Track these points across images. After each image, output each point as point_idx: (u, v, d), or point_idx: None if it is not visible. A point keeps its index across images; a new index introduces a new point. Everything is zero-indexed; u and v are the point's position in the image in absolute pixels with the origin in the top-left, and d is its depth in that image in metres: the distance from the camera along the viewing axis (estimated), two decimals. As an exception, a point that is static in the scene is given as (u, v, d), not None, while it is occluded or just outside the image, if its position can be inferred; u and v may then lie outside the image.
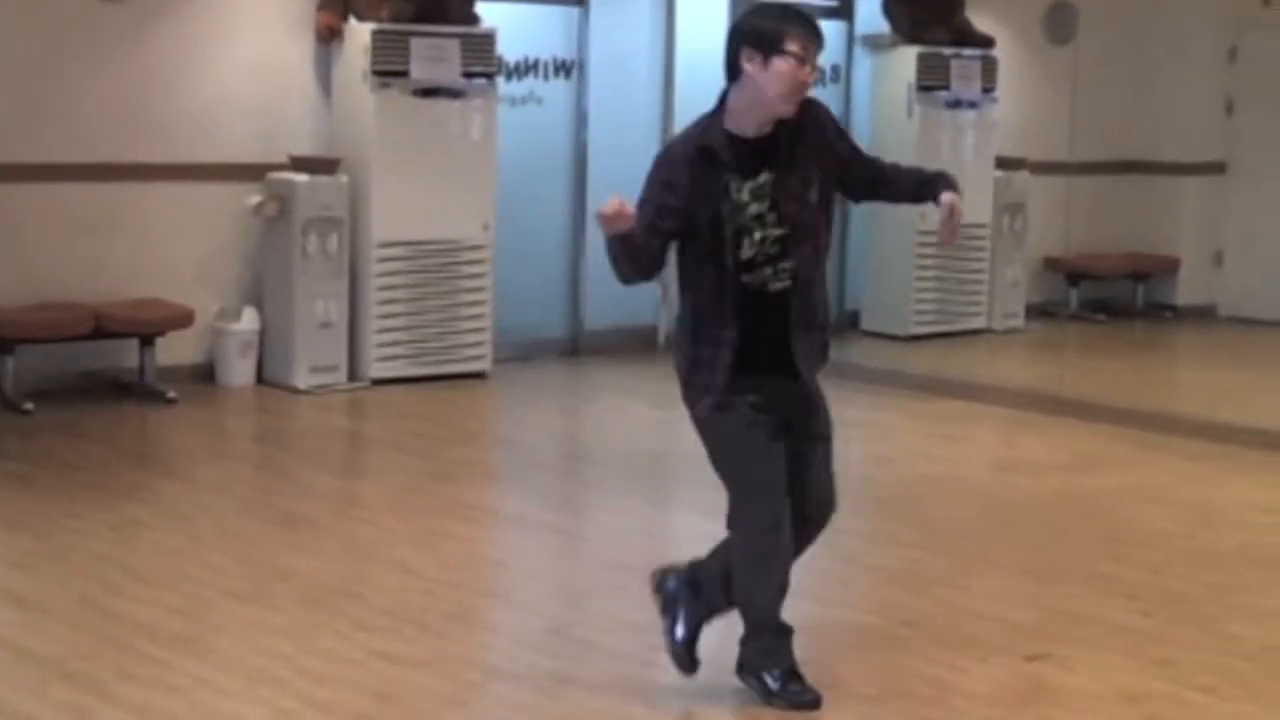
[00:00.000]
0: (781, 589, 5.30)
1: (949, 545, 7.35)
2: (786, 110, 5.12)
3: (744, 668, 5.38)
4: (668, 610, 5.49)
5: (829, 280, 5.42)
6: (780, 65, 5.06)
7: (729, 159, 5.13)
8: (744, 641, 5.38)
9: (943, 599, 6.52)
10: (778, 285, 5.17)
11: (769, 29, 5.10)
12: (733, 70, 5.15)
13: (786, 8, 5.27)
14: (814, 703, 5.28)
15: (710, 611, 5.46)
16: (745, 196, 5.13)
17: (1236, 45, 14.28)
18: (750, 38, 5.12)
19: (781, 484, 5.19)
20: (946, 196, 5.27)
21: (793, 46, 5.06)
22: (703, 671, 5.43)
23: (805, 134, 5.19)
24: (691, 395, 5.26)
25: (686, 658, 5.46)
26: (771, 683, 5.30)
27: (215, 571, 6.65)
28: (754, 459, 5.19)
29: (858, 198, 5.54)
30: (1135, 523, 7.88)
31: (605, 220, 4.99)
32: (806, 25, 5.14)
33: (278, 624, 6.01)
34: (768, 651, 5.33)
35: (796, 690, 5.30)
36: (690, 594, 5.45)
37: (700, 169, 5.13)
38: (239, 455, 9.18)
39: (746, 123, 5.15)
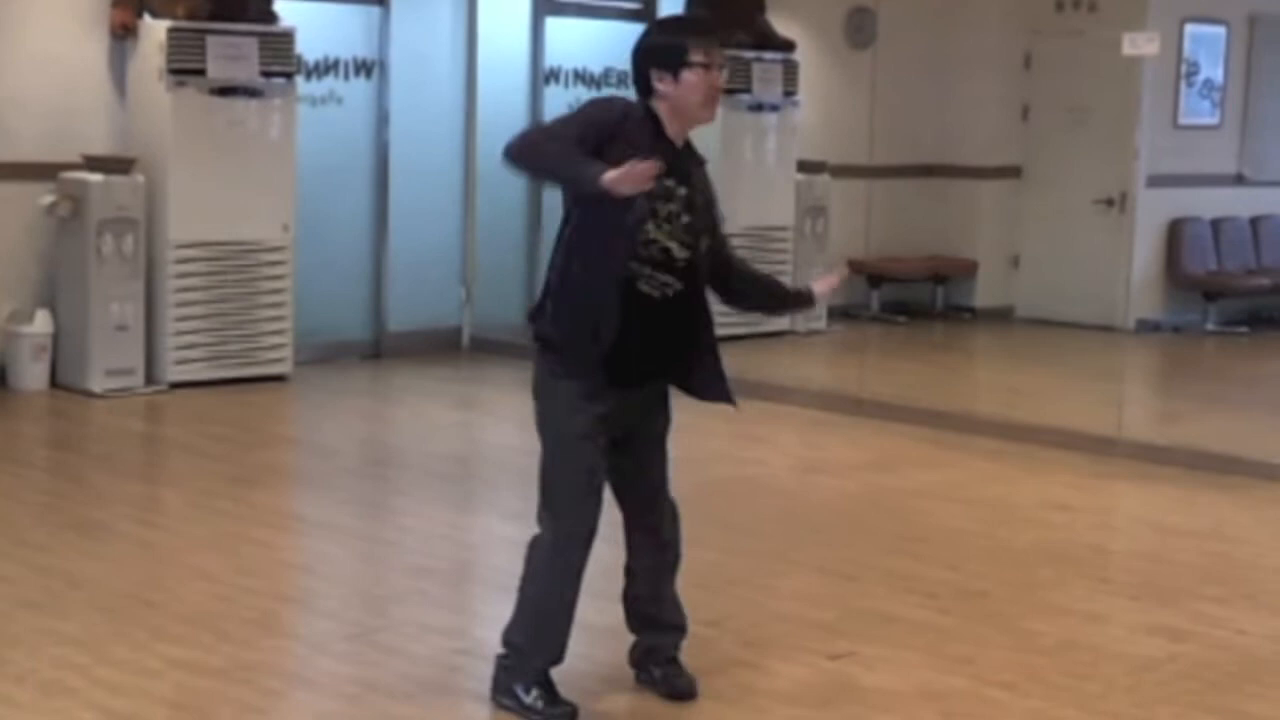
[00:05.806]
0: None
1: (751, 545, 7.39)
2: (709, 116, 5.16)
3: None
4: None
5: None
6: (690, 78, 5.08)
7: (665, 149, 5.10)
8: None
9: (745, 599, 6.54)
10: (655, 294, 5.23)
11: (670, 46, 5.11)
12: (646, 89, 5.14)
13: (681, 20, 5.28)
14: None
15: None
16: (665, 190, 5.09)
17: (1031, 51, 14.56)
18: (655, 59, 5.12)
19: None
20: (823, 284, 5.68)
21: (697, 57, 5.08)
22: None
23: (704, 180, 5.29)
24: None
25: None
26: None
27: (6, 581, 6.48)
28: None
29: None
30: (934, 521, 7.98)
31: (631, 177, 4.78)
32: (703, 32, 5.17)
33: (72, 633, 5.88)
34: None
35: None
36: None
37: (644, 129, 5.07)
38: (31, 461, 8.98)
39: (670, 129, 5.14)
